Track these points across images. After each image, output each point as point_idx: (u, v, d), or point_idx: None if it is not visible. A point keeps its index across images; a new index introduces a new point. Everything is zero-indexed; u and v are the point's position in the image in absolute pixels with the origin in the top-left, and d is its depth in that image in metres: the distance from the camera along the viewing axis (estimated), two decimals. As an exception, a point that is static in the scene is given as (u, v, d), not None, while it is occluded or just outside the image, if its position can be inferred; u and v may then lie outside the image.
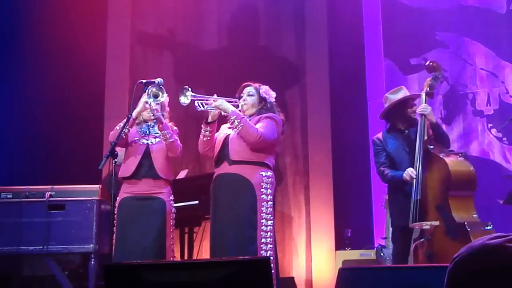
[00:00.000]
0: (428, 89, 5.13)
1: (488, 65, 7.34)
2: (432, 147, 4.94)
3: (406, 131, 5.12)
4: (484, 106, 7.29)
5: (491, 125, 7.23)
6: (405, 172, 4.88)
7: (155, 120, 4.99)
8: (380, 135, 5.28)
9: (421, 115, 4.99)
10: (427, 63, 5.30)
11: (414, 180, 4.79)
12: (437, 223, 4.65)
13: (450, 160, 4.84)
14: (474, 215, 4.75)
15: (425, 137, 4.94)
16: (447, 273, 1.46)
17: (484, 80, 7.34)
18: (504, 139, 7.12)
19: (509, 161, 7.08)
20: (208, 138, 4.85)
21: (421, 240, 4.69)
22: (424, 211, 4.77)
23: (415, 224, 4.72)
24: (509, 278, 1.36)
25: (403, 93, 5.19)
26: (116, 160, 4.67)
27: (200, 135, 4.89)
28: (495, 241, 1.42)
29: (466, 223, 4.58)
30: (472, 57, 7.37)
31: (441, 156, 4.86)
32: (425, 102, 5.06)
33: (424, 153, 4.88)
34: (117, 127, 4.89)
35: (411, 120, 5.16)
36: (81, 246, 5.48)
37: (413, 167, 4.86)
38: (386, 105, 5.24)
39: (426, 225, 4.66)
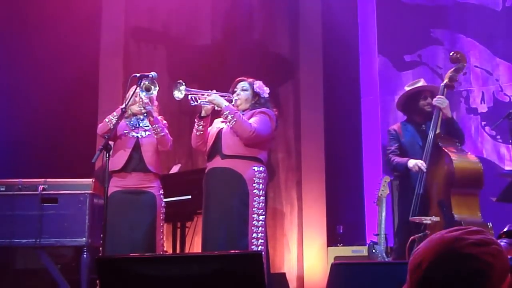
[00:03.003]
0: (447, 81, 5.03)
1: (482, 63, 7.33)
2: (440, 142, 4.87)
3: (423, 125, 5.05)
4: (478, 104, 7.29)
5: (484, 123, 7.23)
6: (413, 161, 4.84)
7: (145, 113, 4.96)
8: (396, 125, 5.25)
9: (437, 107, 4.92)
10: (451, 53, 5.19)
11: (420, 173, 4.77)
12: (437, 218, 4.61)
13: (457, 156, 4.80)
14: (478, 214, 4.73)
15: (437, 131, 4.88)
16: (408, 265, 1.50)
17: (478, 78, 7.33)
18: (498, 137, 7.12)
19: (503, 159, 7.08)
20: (201, 132, 4.85)
21: (419, 235, 4.63)
22: (427, 205, 4.76)
23: (415, 218, 4.70)
24: (466, 265, 1.40)
25: (419, 84, 5.14)
26: (109, 153, 4.65)
27: (193, 130, 4.88)
28: (453, 233, 1.46)
29: (462, 222, 4.56)
30: (466, 54, 7.36)
31: (447, 151, 4.80)
32: (444, 95, 4.98)
33: (433, 147, 4.83)
34: (106, 120, 4.88)
35: (426, 113, 5.09)
36: (74, 239, 5.44)
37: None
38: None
39: (426, 220, 4.63)
